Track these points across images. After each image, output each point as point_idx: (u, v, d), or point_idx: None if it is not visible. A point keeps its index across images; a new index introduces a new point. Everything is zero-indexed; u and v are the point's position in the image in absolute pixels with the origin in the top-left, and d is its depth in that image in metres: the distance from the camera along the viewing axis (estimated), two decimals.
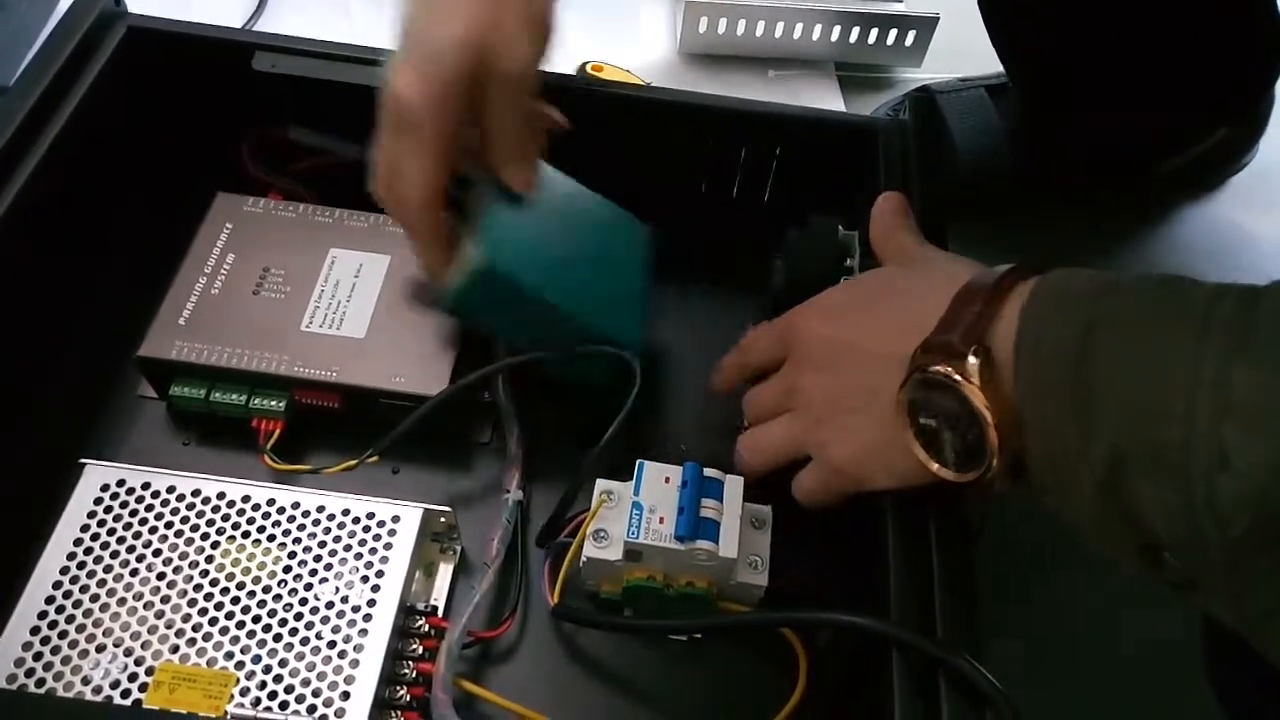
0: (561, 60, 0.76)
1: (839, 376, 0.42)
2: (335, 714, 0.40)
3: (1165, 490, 0.29)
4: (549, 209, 0.50)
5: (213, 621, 0.42)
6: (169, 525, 0.44)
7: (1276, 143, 0.73)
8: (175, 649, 0.41)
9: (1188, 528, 0.29)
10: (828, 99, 0.78)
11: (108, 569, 0.43)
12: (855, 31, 0.77)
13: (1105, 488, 0.31)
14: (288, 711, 0.39)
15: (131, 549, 0.43)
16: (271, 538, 0.44)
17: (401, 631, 0.43)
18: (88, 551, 0.43)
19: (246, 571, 0.43)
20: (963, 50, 0.77)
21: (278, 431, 0.50)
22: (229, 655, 0.41)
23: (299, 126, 0.58)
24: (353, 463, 0.47)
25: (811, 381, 0.44)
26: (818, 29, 0.77)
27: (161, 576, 0.43)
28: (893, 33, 0.77)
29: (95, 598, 0.42)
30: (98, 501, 0.44)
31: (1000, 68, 0.70)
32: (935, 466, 0.38)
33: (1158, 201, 0.73)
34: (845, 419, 0.42)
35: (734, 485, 0.45)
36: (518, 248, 0.47)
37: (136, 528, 0.44)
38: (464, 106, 0.43)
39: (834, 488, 0.43)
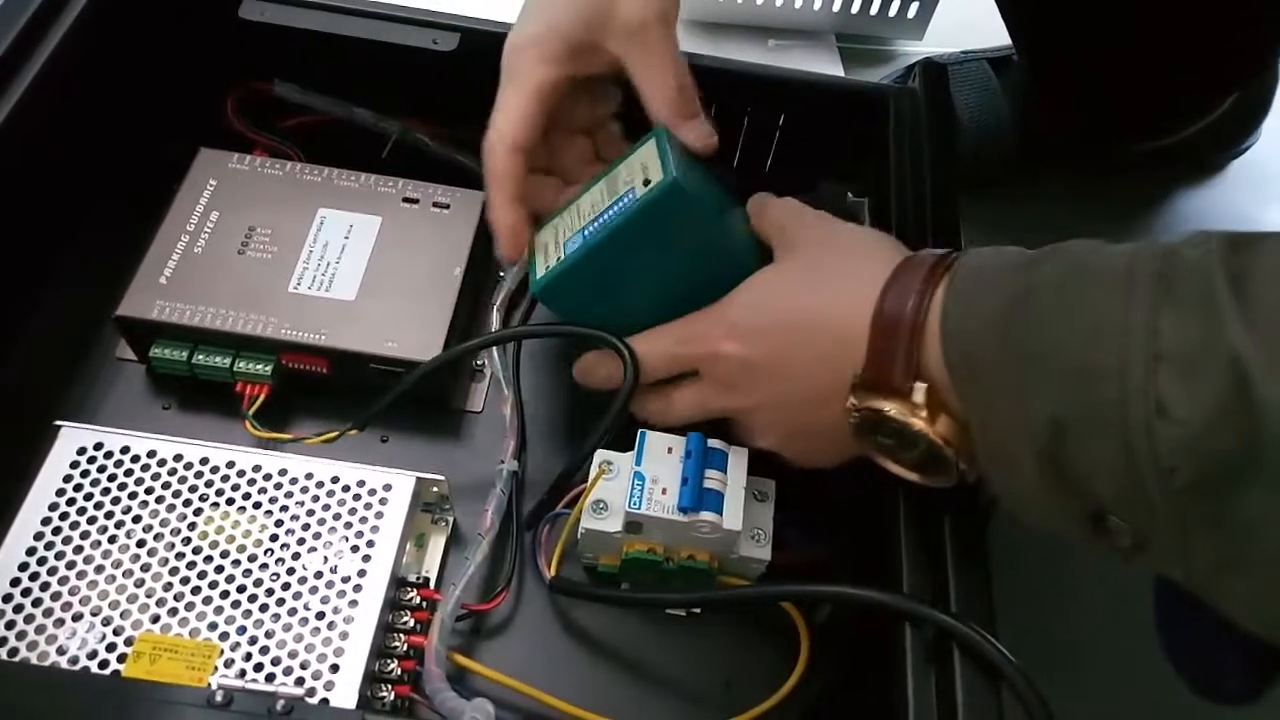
0: None
1: (770, 398, 0.42)
2: (324, 687, 0.38)
3: (1106, 450, 0.29)
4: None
5: (195, 591, 0.40)
6: (149, 491, 0.42)
7: None
8: (156, 619, 0.39)
9: (1131, 485, 0.29)
10: (828, 70, 0.76)
11: (85, 535, 0.41)
12: (857, 1, 0.76)
13: (1046, 459, 0.31)
14: (275, 684, 0.38)
15: (110, 515, 0.41)
16: (258, 505, 0.42)
17: (392, 604, 0.42)
18: (64, 517, 0.41)
19: (231, 540, 0.41)
20: (965, 23, 0.76)
21: (263, 396, 0.48)
22: (213, 626, 0.39)
23: (286, 82, 0.56)
24: (334, 434, 0.46)
25: (740, 404, 0.43)
26: None
27: (141, 544, 0.41)
28: (895, 4, 0.76)
29: (71, 565, 0.40)
30: (74, 465, 0.42)
31: (1004, 40, 0.68)
32: (901, 471, 0.38)
33: (1162, 183, 0.72)
34: (794, 443, 0.42)
35: (738, 456, 0.43)
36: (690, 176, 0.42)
37: (115, 493, 0.42)
38: (575, 62, 0.43)
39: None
